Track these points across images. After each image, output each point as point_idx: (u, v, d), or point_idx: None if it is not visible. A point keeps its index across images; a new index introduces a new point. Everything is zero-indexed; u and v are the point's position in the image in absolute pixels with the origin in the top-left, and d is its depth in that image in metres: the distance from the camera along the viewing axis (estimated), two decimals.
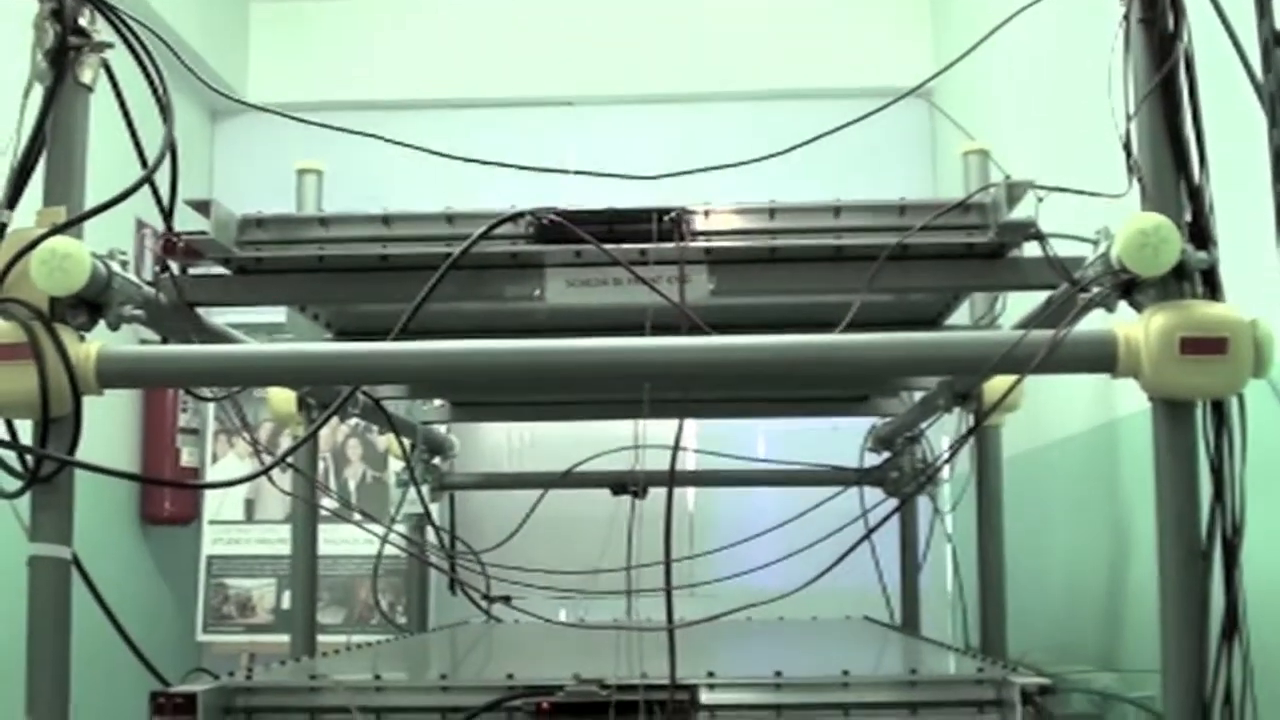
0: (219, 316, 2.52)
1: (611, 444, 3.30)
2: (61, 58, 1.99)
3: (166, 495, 5.35)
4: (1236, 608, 1.84)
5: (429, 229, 2.30)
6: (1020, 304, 2.48)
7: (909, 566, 4.09)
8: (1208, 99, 1.92)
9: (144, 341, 2.45)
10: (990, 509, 3.18)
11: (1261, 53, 1.89)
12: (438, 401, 3.92)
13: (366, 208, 2.34)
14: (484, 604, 2.94)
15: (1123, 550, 3.29)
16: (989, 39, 2.23)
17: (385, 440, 4.71)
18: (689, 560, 3.54)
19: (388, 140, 2.51)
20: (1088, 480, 3.57)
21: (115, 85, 2.10)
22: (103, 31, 2.05)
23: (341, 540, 4.91)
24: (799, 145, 2.39)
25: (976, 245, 2.25)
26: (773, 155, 2.41)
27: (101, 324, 2.03)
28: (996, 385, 2.85)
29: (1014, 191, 2.17)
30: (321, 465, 5.15)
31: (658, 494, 3.26)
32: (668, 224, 2.25)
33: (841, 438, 4.18)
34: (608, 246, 2.21)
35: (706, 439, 4.53)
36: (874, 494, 3.83)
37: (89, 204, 2.01)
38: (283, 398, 3.12)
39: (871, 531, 2.15)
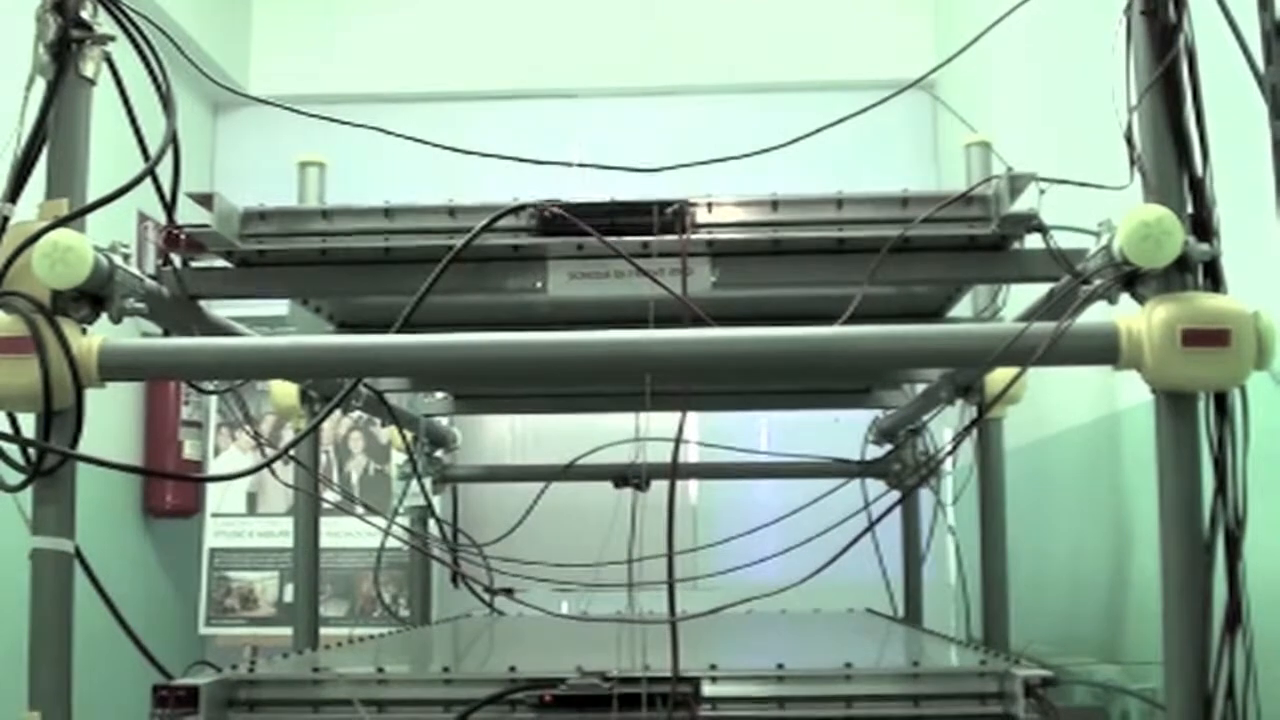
0: (221, 309, 2.52)
1: (614, 437, 3.31)
2: (63, 51, 1.99)
3: (169, 488, 5.35)
4: (1239, 600, 1.85)
5: (431, 222, 2.30)
6: (1022, 296, 2.48)
7: (911, 559, 4.10)
8: (1210, 91, 1.92)
9: (146, 334, 2.45)
10: (992, 501, 3.18)
11: (1263, 44, 1.89)
12: (440, 394, 3.93)
13: (369, 200, 2.34)
14: (486, 597, 2.95)
15: (1125, 542, 3.29)
16: (991, 31, 2.23)
17: (387, 433, 4.72)
18: (691, 553, 3.54)
19: (390, 133, 2.51)
20: (1090, 472, 3.57)
21: (117, 78, 2.10)
22: (104, 24, 2.05)
23: (344, 533, 4.93)
24: (801, 137, 2.39)
25: (979, 237, 2.25)
26: (775, 148, 2.41)
27: (103, 317, 2.03)
28: (999, 377, 2.85)
29: (1016, 184, 2.16)
30: (324, 458, 5.17)
31: (660, 487, 3.26)
32: (670, 216, 2.25)
33: (844, 430, 4.18)
34: (610, 239, 2.21)
35: (709, 432, 4.55)
36: (876, 486, 3.83)
37: (91, 197, 2.01)
38: (285, 391, 3.12)
39: (874, 524, 2.14)
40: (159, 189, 2.20)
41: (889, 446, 3.98)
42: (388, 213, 2.32)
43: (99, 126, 2.05)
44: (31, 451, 1.92)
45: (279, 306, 2.98)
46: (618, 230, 2.23)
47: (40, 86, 2.00)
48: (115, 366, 1.96)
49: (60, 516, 1.93)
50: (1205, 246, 1.88)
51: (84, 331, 1.96)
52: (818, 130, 2.39)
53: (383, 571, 4.12)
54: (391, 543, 3.52)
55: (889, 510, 2.28)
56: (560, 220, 2.22)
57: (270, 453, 2.32)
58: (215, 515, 5.43)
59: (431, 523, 3.97)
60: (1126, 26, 1.95)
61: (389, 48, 6.15)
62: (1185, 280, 1.88)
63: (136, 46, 2.12)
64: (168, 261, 2.30)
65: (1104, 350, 1.89)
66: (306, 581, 3.25)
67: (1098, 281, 1.95)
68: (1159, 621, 1.87)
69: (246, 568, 5.39)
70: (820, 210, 2.28)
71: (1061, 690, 2.23)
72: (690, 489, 5.53)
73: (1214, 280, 1.90)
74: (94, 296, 1.98)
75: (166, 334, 2.33)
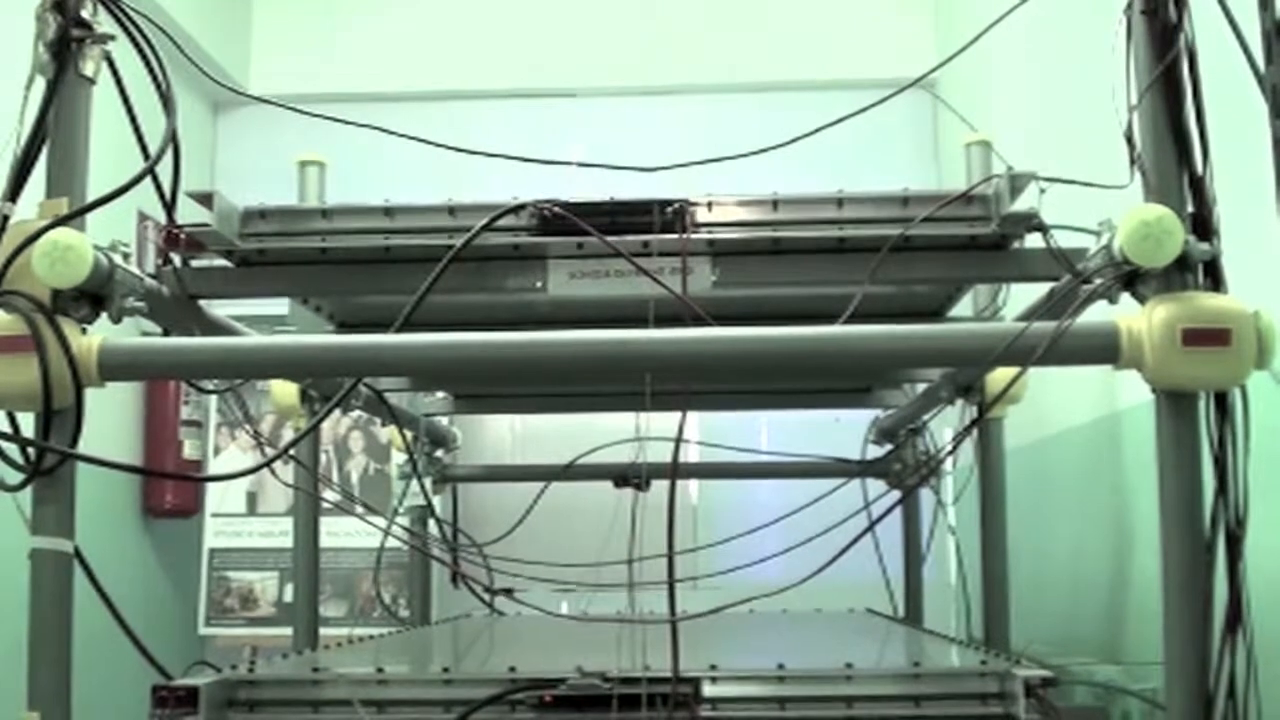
0: (221, 309, 2.52)
1: (614, 436, 3.30)
2: (64, 50, 1.99)
3: (168, 488, 5.35)
4: (1240, 600, 1.85)
5: (431, 221, 2.30)
6: (1023, 296, 2.48)
7: (912, 559, 4.10)
8: (1210, 90, 1.92)
9: (146, 334, 2.45)
10: (993, 501, 3.18)
11: (1264, 44, 1.90)
12: (440, 394, 3.93)
13: (369, 200, 2.34)
14: (486, 597, 2.95)
15: (1126, 542, 3.29)
16: (992, 30, 2.23)
17: (387, 432, 4.72)
18: (691, 553, 3.53)
19: (390, 132, 2.52)
20: (1090, 472, 3.57)
21: (117, 77, 2.10)
22: (105, 23, 2.05)
23: (344, 533, 4.93)
24: (802, 137, 2.39)
25: (979, 237, 2.25)
26: (775, 147, 2.41)
27: (103, 317, 2.03)
28: (999, 377, 2.85)
29: (1016, 183, 2.16)
30: (324, 458, 5.17)
31: (660, 486, 3.25)
32: (670, 215, 2.25)
33: (844, 430, 4.18)
34: (610, 238, 2.21)
35: (709, 431, 4.55)
36: (877, 486, 3.83)
37: (91, 196, 2.01)
38: (285, 390, 3.12)
39: (874, 524, 2.14)
40: (159, 188, 2.20)
41: (889, 446, 3.98)
42: (388, 212, 2.32)
43: (99, 126, 2.05)
44: (31, 451, 1.92)
45: (279, 306, 2.98)
46: (618, 229, 2.23)
47: (40, 85, 2.00)
48: (115, 366, 1.96)
49: (60, 516, 1.93)
50: (1205, 246, 1.88)
51: (84, 331, 1.96)
52: (818, 130, 2.39)
53: (383, 571, 4.12)
54: (391, 543, 3.52)
55: (889, 510, 2.28)
56: (560, 219, 2.22)
57: (270, 452, 2.32)
58: (215, 515, 5.43)
59: (431, 523, 3.98)
60: (1127, 26, 1.95)
61: (389, 47, 6.15)
62: (1186, 280, 1.88)
63: (136, 45, 2.12)
64: (168, 261, 2.30)
65: (1104, 350, 1.89)
66: (306, 581, 3.25)
67: (1098, 281, 1.95)
68: (1160, 621, 1.87)
69: (246, 568, 5.39)
70: (821, 210, 2.28)
71: (1062, 690, 2.23)
72: (690, 489, 5.53)
73: (1214, 280, 1.90)
74: (94, 296, 1.98)
75: (166, 333, 2.33)
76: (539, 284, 2.32)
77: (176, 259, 2.30)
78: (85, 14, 2.01)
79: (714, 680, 2.13)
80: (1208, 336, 1.82)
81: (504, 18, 6.13)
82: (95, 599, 2.00)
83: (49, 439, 1.92)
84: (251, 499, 5.43)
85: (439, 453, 4.15)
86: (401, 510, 3.93)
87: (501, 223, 2.24)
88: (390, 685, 2.18)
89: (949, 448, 2.50)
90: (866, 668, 2.17)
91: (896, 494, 3.84)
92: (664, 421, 2.36)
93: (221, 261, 2.37)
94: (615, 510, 2.97)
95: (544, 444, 5.54)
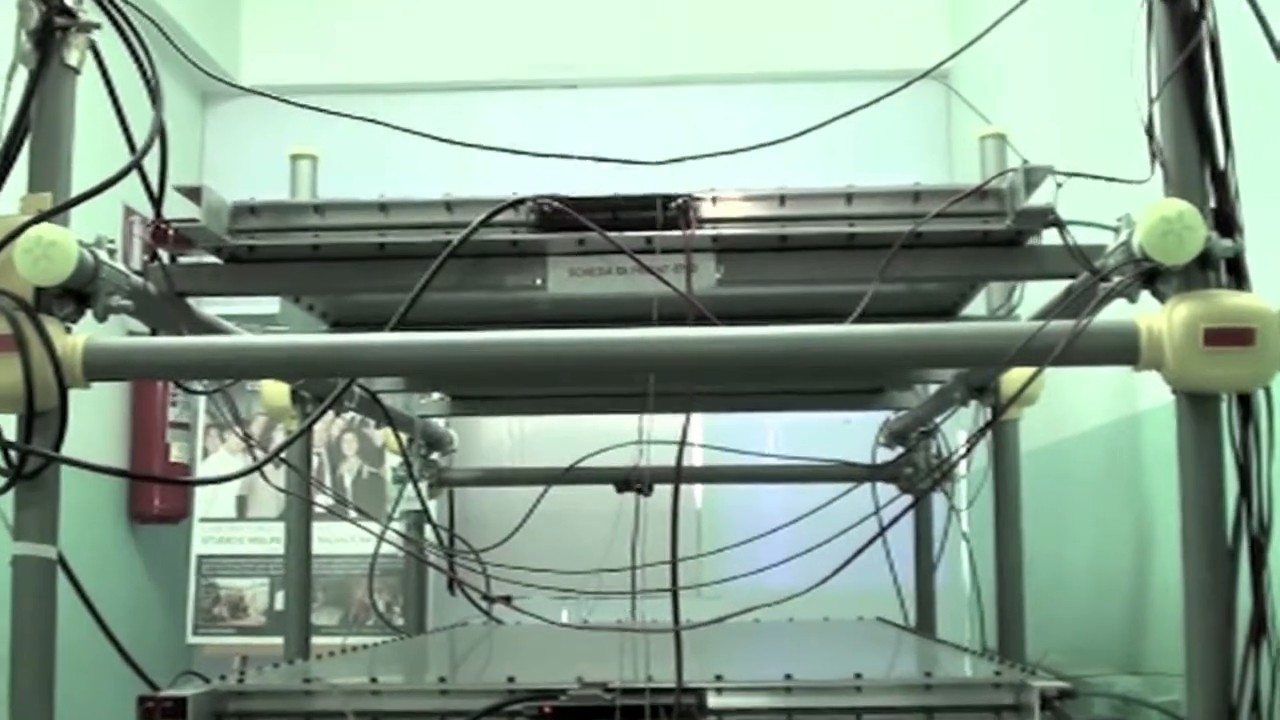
0: (210, 307, 2.52)
1: (616, 439, 3.31)
2: (47, 38, 1.99)
3: (155, 492, 5.36)
4: (1264, 609, 1.84)
5: (427, 216, 2.30)
6: (1038, 294, 2.48)
7: (924, 565, 4.09)
8: (1233, 81, 1.92)
9: (132, 333, 2.45)
10: (1008, 506, 3.17)
11: None
12: (436, 395, 3.93)
13: (363, 194, 2.34)
14: (484, 604, 2.95)
15: (1145, 549, 3.29)
16: (1007, 19, 2.22)
17: (382, 435, 4.71)
18: (696, 559, 3.54)
19: (384, 124, 2.51)
20: (1109, 476, 3.57)
21: (103, 67, 2.10)
22: (90, 12, 2.05)
23: (337, 539, 4.92)
24: (810, 129, 2.39)
25: (993, 233, 2.25)
26: (783, 140, 2.41)
27: (88, 315, 2.03)
28: (1014, 378, 2.85)
29: (1032, 177, 2.16)
30: (316, 461, 5.17)
31: (663, 491, 3.26)
32: (674, 211, 2.25)
33: (854, 432, 4.18)
34: (612, 234, 2.21)
35: (714, 434, 4.53)
36: (887, 490, 3.83)
37: (75, 190, 2.01)
38: (276, 391, 3.13)
39: (885, 529, 2.14)
40: (145, 182, 2.20)
41: (900, 449, 3.98)
42: (383, 207, 2.32)
43: (83, 118, 2.05)
44: (13, 454, 1.92)
45: (270, 304, 2.98)
46: (620, 225, 2.23)
47: (22, 76, 1.99)
48: (100, 366, 1.96)
49: (43, 522, 1.93)
50: (1228, 242, 1.87)
51: (68, 330, 1.96)
52: (827, 122, 2.39)
53: (377, 578, 4.13)
54: (386, 549, 3.52)
55: (900, 515, 2.27)
56: (560, 215, 2.22)
57: (261, 455, 2.32)
58: (204, 520, 5.43)
59: (427, 528, 3.98)
60: (1147, 14, 1.95)
61: (384, 37, 6.15)
62: (1207, 277, 1.88)
63: (122, 34, 2.12)
64: (155, 257, 2.29)
65: (1123, 350, 1.89)
66: (298, 589, 3.25)
67: (1117, 279, 1.95)
68: (1181, 631, 1.86)
69: (236, 574, 5.39)
70: (829, 205, 2.28)
71: (1080, 703, 2.23)
72: (695, 493, 5.54)
73: (1237, 277, 1.89)
74: (78, 294, 1.98)
75: (154, 332, 2.33)
76: (538, 281, 2.32)
77: (164, 255, 2.30)
78: (69, 1, 2.01)
79: (719, 691, 2.12)
80: (1230, 336, 1.82)
81: (502, 6, 6.13)
82: (79, 607, 2.00)
83: (32, 442, 1.92)
84: (241, 503, 5.43)
85: (435, 456, 4.14)
86: (396, 515, 3.94)
87: (500, 218, 2.24)
88: (384, 696, 2.18)
89: (962, 451, 2.50)
90: (876, 678, 2.17)
91: (908, 499, 3.85)
92: (667, 424, 2.36)
93: (210, 258, 2.37)
94: (617, 515, 2.98)
95: (543, 447, 5.53)
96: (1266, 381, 1.86)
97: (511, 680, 2.15)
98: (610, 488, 3.68)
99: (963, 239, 2.28)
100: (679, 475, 2.14)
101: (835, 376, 3.65)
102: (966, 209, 2.23)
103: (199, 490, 5.48)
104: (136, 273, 2.18)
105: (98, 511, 5.06)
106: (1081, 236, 2.09)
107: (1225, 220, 1.89)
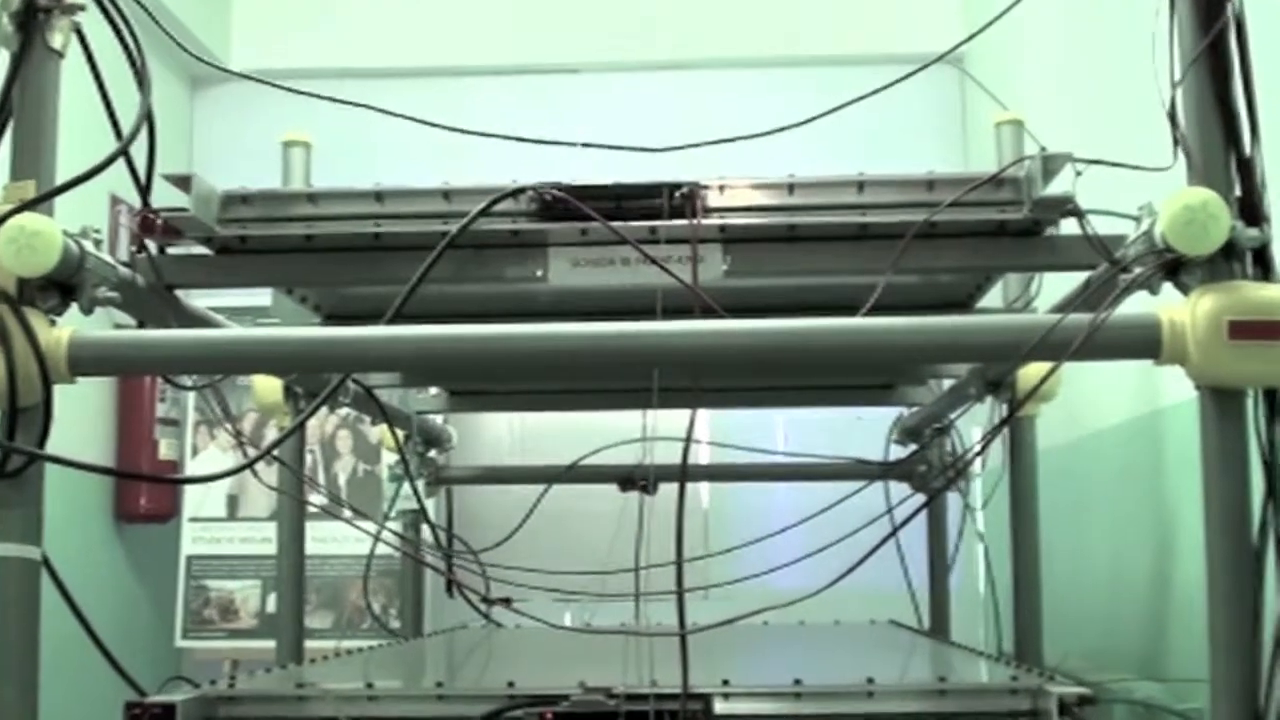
0: (200, 299, 2.52)
1: (619, 436, 3.31)
2: (30, 21, 1.99)
3: (143, 491, 5.35)
4: None
5: (425, 206, 2.30)
6: (1057, 285, 2.48)
7: (938, 567, 4.09)
8: (1259, 65, 1.91)
9: (119, 326, 2.45)
10: (1024, 505, 3.17)
11: None
12: (433, 390, 3.93)
13: (358, 183, 2.33)
14: (483, 607, 2.94)
15: (1167, 550, 3.28)
16: (1023, 1, 2.22)
17: (378, 431, 4.72)
18: (703, 560, 3.53)
19: (380, 110, 2.51)
20: (1129, 474, 3.57)
21: (88, 51, 2.10)
22: None
23: (331, 539, 4.92)
24: (820, 115, 2.39)
25: (1010, 222, 2.25)
26: (792, 126, 2.41)
27: (73, 308, 2.02)
28: (1031, 373, 2.84)
29: (1050, 164, 2.16)
30: (310, 458, 5.17)
31: (669, 489, 3.26)
32: (679, 200, 2.25)
33: (865, 429, 4.17)
34: (615, 224, 2.20)
35: (720, 430, 4.54)
36: (900, 489, 3.82)
37: (60, 178, 2.01)
38: (268, 386, 3.13)
39: (898, 529, 2.14)
40: (133, 170, 2.20)
41: (914, 446, 3.98)
42: (378, 196, 2.32)
43: (68, 103, 2.04)
44: None
45: (262, 296, 2.98)
46: (623, 215, 2.23)
47: (4, 59, 1.99)
48: (86, 360, 1.96)
49: (26, 521, 1.93)
50: (1254, 232, 1.87)
51: (52, 323, 1.97)
52: (838, 108, 2.39)
53: (372, 580, 4.12)
54: (382, 549, 3.52)
55: (914, 515, 2.27)
56: (562, 204, 2.22)
57: (252, 452, 2.32)
58: (193, 520, 5.43)
59: (424, 527, 3.98)
60: None
61: (379, 20, 6.14)
62: (1232, 268, 1.88)
63: (108, 16, 2.11)
64: (142, 248, 2.29)
65: (1144, 343, 1.89)
66: (291, 591, 3.25)
67: (1138, 270, 1.95)
68: (1204, 635, 1.86)
69: (226, 576, 5.39)
70: (840, 193, 2.28)
71: (1100, 709, 2.22)
72: (701, 492, 5.53)
73: (1264, 268, 1.89)
74: (63, 285, 1.98)
75: (141, 325, 2.33)
76: (539, 273, 2.32)
77: (152, 246, 2.30)
78: None
79: (726, 696, 2.13)
80: (1256, 329, 1.81)
81: None
82: (64, 610, 2.00)
83: (15, 438, 1.92)
84: (232, 502, 5.43)
85: (433, 453, 4.15)
86: (393, 514, 3.94)
87: (499, 207, 2.24)
88: (380, 701, 2.19)
89: (977, 448, 2.50)
90: (889, 683, 2.17)
91: (921, 497, 3.84)
92: (673, 420, 2.36)
93: (200, 249, 2.37)
94: (621, 515, 2.98)
95: (544, 444, 5.53)
96: None
97: (512, 685, 2.15)
98: (613, 486, 3.68)
99: (978, 229, 2.27)
100: (684, 473, 2.14)
101: (846, 371, 3.65)
102: (982, 198, 2.23)
103: (188, 489, 5.47)
104: (123, 264, 2.18)
105: (83, 511, 5.06)
106: (1101, 226, 2.08)
107: (1251, 209, 1.89)
